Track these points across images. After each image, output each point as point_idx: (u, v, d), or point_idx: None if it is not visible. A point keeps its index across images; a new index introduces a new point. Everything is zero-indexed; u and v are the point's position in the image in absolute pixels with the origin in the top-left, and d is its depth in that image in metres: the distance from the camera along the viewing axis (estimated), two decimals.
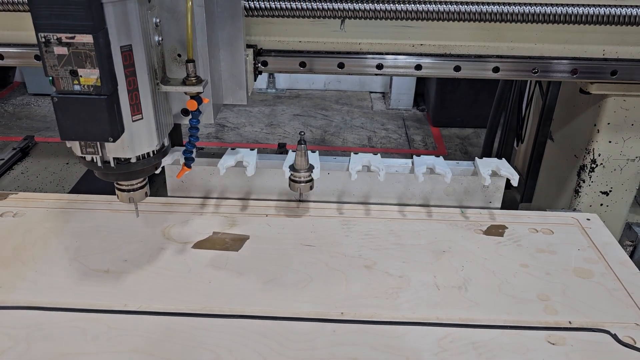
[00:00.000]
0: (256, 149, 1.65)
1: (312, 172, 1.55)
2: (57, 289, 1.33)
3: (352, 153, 1.66)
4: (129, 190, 1.30)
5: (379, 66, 1.55)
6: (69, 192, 1.85)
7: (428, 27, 1.50)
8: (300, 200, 1.67)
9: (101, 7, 0.96)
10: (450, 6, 1.42)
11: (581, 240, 1.56)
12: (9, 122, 5.19)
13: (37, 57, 1.54)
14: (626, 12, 1.41)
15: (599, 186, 1.78)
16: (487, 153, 2.79)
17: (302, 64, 1.55)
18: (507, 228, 1.60)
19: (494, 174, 1.60)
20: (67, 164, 2.20)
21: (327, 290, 1.35)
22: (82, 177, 2.09)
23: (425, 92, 5.59)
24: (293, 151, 1.59)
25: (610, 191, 1.79)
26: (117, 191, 1.30)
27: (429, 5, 1.42)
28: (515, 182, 1.54)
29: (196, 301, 1.30)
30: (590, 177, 1.76)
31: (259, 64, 1.53)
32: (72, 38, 0.94)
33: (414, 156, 1.65)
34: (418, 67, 1.55)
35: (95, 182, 2.03)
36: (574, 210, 1.73)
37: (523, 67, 1.54)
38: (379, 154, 1.66)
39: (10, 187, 2.04)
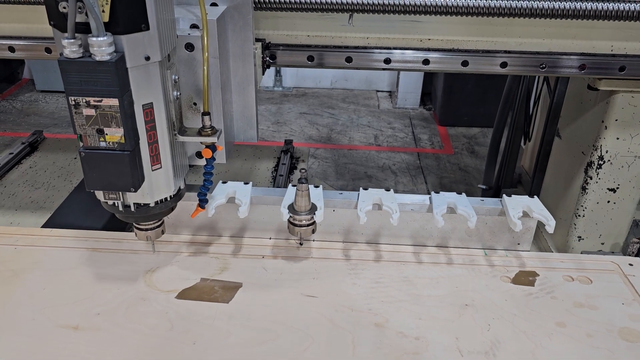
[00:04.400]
0: (250, 183, 1.46)
1: (314, 214, 1.35)
2: (15, 350, 1.14)
3: (360, 189, 1.46)
4: (146, 229, 1.34)
5: (387, 61, 1.54)
6: (43, 225, 1.67)
7: (436, 21, 1.50)
8: (301, 244, 1.47)
9: (126, 72, 1.03)
10: (458, 0, 1.40)
11: (624, 291, 1.35)
12: (17, 118, 5.17)
13: (47, 50, 1.56)
14: (635, 8, 1.37)
15: (606, 183, 1.77)
16: (493, 152, 2.77)
17: (310, 58, 1.55)
18: (538, 275, 1.40)
19: (525, 215, 1.39)
20: (75, 158, 2.24)
21: (330, 356, 1.15)
22: (59, 208, 1.89)
23: (432, 91, 5.49)
24: (293, 186, 1.39)
25: (617, 188, 1.77)
26: (135, 230, 1.35)
27: (437, 0, 1.41)
28: (551, 229, 1.34)
29: None
30: (597, 174, 1.75)
31: (267, 58, 1.52)
32: (100, 101, 1.02)
33: (432, 193, 1.45)
34: (426, 61, 1.54)
35: (74, 213, 1.87)
36: (613, 253, 1.53)
37: (531, 63, 1.53)
38: (391, 190, 1.46)
39: (19, 182, 2.09)
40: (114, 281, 1.34)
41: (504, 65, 1.54)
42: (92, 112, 1.03)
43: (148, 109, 1.09)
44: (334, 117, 5.27)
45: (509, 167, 2.70)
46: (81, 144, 1.07)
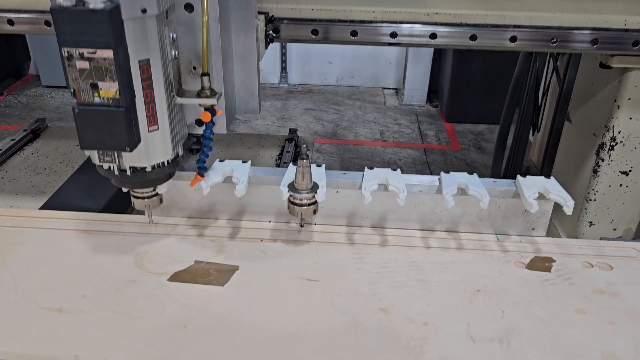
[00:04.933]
0: (249, 162, 1.38)
1: (316, 193, 1.27)
2: None
3: (365, 168, 1.38)
4: (144, 198, 1.29)
5: (393, 34, 1.49)
6: (40, 208, 1.60)
7: None
8: (302, 226, 1.39)
9: (121, 24, 0.99)
10: None
11: None
12: (22, 112, 5.17)
13: (47, 23, 1.51)
14: None
15: (619, 165, 1.71)
16: (501, 145, 2.72)
17: (315, 32, 1.51)
18: (554, 261, 1.31)
19: (541, 197, 1.30)
20: (78, 145, 2.13)
21: (332, 342, 1.07)
22: (57, 191, 1.85)
23: (439, 88, 5.42)
24: (294, 164, 1.31)
25: (630, 171, 1.71)
26: (132, 199, 1.30)
27: None
28: (569, 210, 1.25)
29: (166, 354, 1.03)
30: (609, 156, 1.70)
31: (271, 32, 1.48)
32: (94, 53, 0.98)
33: (442, 173, 1.36)
34: (433, 35, 1.48)
35: (72, 196, 1.84)
36: (634, 239, 1.44)
37: (541, 37, 1.47)
38: (398, 170, 1.37)
39: (20, 167, 2.05)
40: (103, 263, 1.26)
41: (513, 39, 1.48)
42: (85, 64, 0.99)
43: (144, 66, 1.04)
44: (339, 113, 5.20)
45: (517, 160, 2.64)
46: (75, 101, 1.03)
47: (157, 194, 1.29)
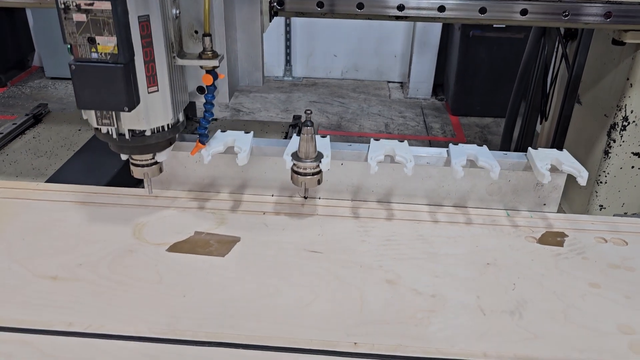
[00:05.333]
0: (252, 133, 1.33)
1: (320, 162, 1.23)
2: None
3: (372, 139, 1.33)
4: (143, 166, 1.24)
5: (400, 7, 1.47)
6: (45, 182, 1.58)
7: None
8: (306, 197, 1.35)
9: None
10: None
11: None
12: (26, 103, 5.15)
13: None
14: None
15: (631, 147, 1.68)
16: (508, 133, 2.70)
17: (320, 5, 1.50)
18: (567, 236, 1.26)
19: (554, 169, 1.26)
20: (79, 130, 2.16)
21: (336, 311, 1.02)
22: (58, 170, 1.83)
23: (444, 81, 5.38)
24: (298, 135, 1.26)
25: None
26: (131, 167, 1.26)
27: None
28: (583, 181, 1.20)
29: (163, 321, 0.99)
30: (621, 137, 1.67)
31: (275, 4, 1.46)
32: (91, 5, 0.95)
33: (451, 145, 1.32)
34: (441, 8, 1.46)
35: (74, 174, 1.81)
36: None
37: (553, 10, 1.44)
38: (405, 141, 1.33)
39: (21, 150, 2.04)
40: (100, 234, 1.22)
41: (524, 12, 1.44)
42: (82, 17, 0.95)
43: (144, 22, 1.01)
44: (344, 106, 5.16)
45: (525, 150, 2.61)
46: (71, 57, 1.00)
47: (156, 163, 1.25)
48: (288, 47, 5.70)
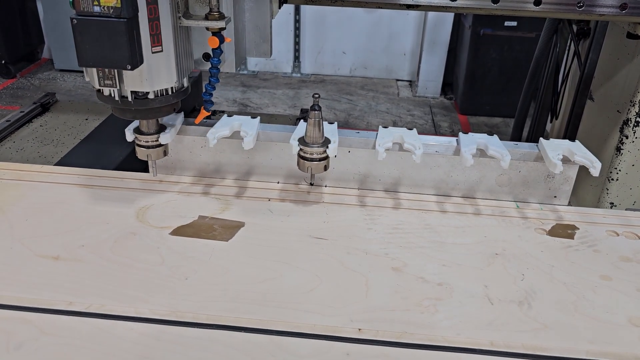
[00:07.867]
0: (258, 118, 1.32)
1: (327, 147, 1.21)
2: None
3: (380, 126, 1.31)
4: (147, 147, 1.23)
5: None
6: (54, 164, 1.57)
7: None
8: (312, 184, 1.33)
9: None
10: None
11: None
12: (34, 94, 5.17)
13: None
14: None
15: None
16: (518, 131, 2.66)
17: None
18: (578, 229, 1.23)
19: (566, 160, 1.23)
20: (87, 119, 2.17)
21: (340, 297, 1.00)
22: (65, 155, 1.82)
23: (453, 80, 5.34)
24: (305, 121, 1.25)
25: None
26: (136, 148, 1.24)
27: None
28: (596, 172, 1.17)
29: (164, 303, 0.97)
30: (634, 133, 1.62)
31: None
32: None
33: (461, 134, 1.30)
34: None
35: (79, 162, 1.80)
36: None
37: (567, 0, 1.39)
38: (414, 129, 1.31)
39: (28, 138, 2.03)
40: (103, 216, 1.21)
41: (537, 3, 1.40)
42: None
43: None
44: (352, 103, 5.14)
45: None
46: (73, 11, 0.96)
47: (160, 145, 1.23)
48: (297, 43, 5.69)
